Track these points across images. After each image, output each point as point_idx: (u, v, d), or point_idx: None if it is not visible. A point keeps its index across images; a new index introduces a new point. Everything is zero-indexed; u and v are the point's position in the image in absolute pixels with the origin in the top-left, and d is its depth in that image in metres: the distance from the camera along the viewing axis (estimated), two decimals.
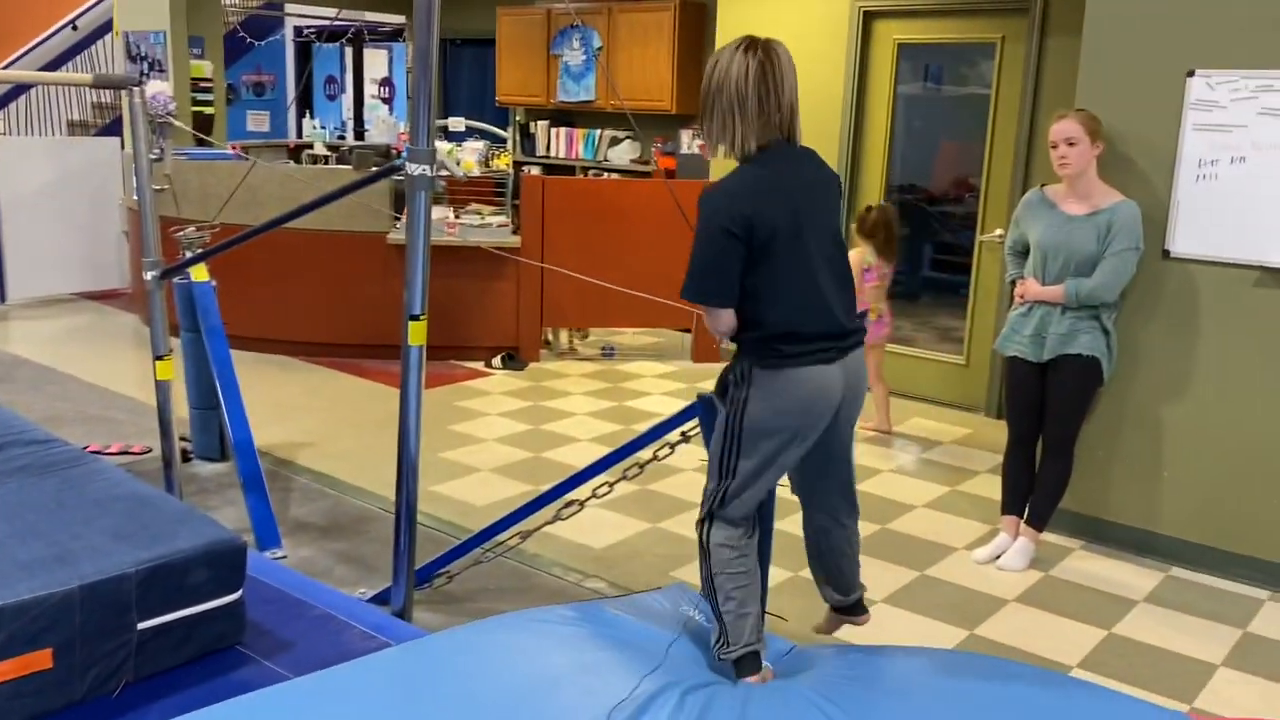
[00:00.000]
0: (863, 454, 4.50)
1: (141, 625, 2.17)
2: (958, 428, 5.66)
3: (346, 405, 5.64)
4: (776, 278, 2.45)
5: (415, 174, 2.58)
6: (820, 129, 6.08)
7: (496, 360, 6.54)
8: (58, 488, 2.60)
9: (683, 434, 3.03)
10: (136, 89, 3.86)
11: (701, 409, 2.84)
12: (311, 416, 5.42)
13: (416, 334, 2.65)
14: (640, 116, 8.03)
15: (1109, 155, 3.88)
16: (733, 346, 2.58)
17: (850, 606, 2.94)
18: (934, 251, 6.28)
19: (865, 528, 2.93)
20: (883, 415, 5.52)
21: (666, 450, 3.08)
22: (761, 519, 2.69)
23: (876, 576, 2.94)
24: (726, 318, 2.48)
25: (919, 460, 5.13)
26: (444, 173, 4.70)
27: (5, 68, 9.79)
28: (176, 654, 2.24)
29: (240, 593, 2.35)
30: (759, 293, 2.46)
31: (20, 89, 10.09)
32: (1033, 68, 5.48)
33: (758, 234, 2.40)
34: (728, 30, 6.58)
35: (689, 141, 7.54)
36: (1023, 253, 3.97)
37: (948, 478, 4.90)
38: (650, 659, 2.40)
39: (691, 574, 2.97)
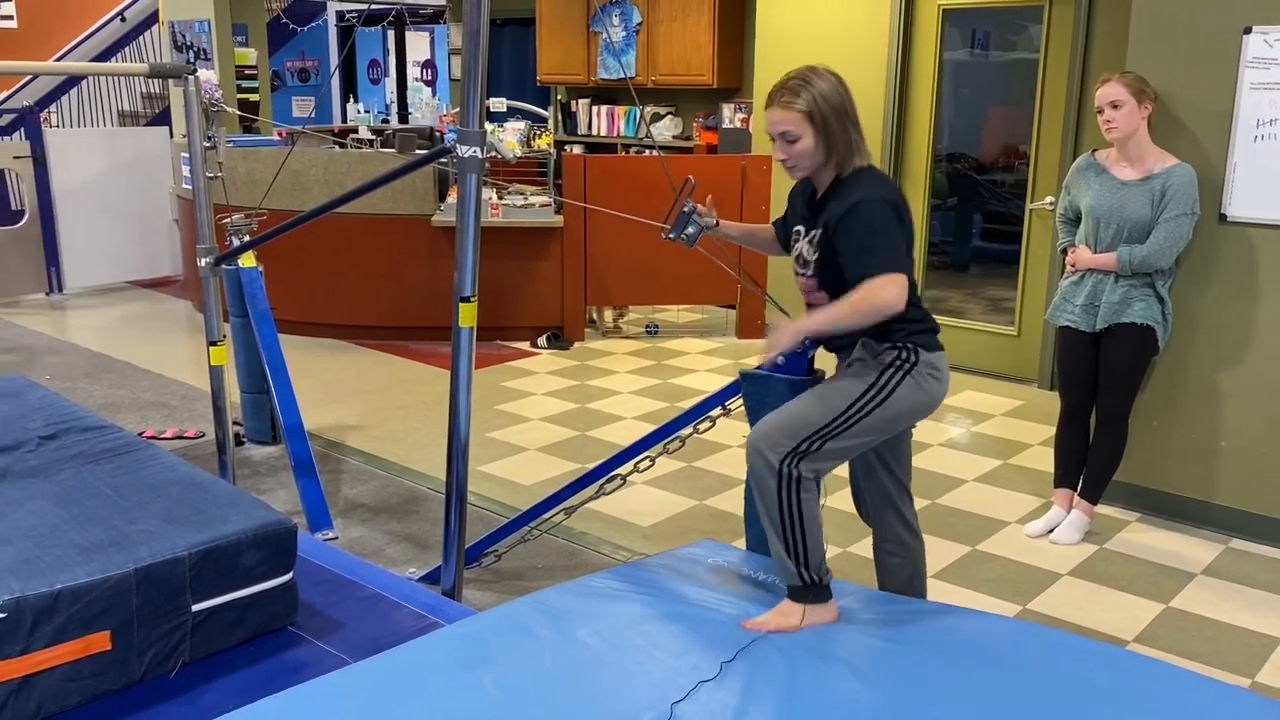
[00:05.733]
0: None
1: (196, 607, 2.20)
2: (1009, 400, 5.58)
3: (395, 387, 5.69)
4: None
5: (465, 156, 2.55)
6: (864, 98, 5.92)
7: (542, 340, 6.56)
8: (113, 473, 2.66)
9: (724, 408, 3.01)
10: (191, 77, 3.92)
11: (745, 386, 2.82)
12: (361, 399, 5.48)
13: (467, 316, 2.65)
14: (681, 92, 7.97)
15: (1162, 117, 3.78)
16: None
17: None
18: (983, 221, 6.18)
19: (917, 503, 2.90)
20: None
21: (707, 424, 3.07)
22: None
23: (928, 552, 2.91)
24: (903, 288, 2.51)
25: (970, 434, 5.07)
26: (493, 154, 4.66)
27: (58, 60, 9.97)
28: (231, 635, 2.28)
29: (292, 574, 2.38)
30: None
31: (71, 81, 10.27)
32: (1082, 29, 5.35)
33: (906, 225, 2.55)
34: (769, 2, 6.50)
35: (730, 116, 7.47)
36: (1074, 220, 3.89)
37: (999, 451, 4.83)
38: (698, 623, 2.43)
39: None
